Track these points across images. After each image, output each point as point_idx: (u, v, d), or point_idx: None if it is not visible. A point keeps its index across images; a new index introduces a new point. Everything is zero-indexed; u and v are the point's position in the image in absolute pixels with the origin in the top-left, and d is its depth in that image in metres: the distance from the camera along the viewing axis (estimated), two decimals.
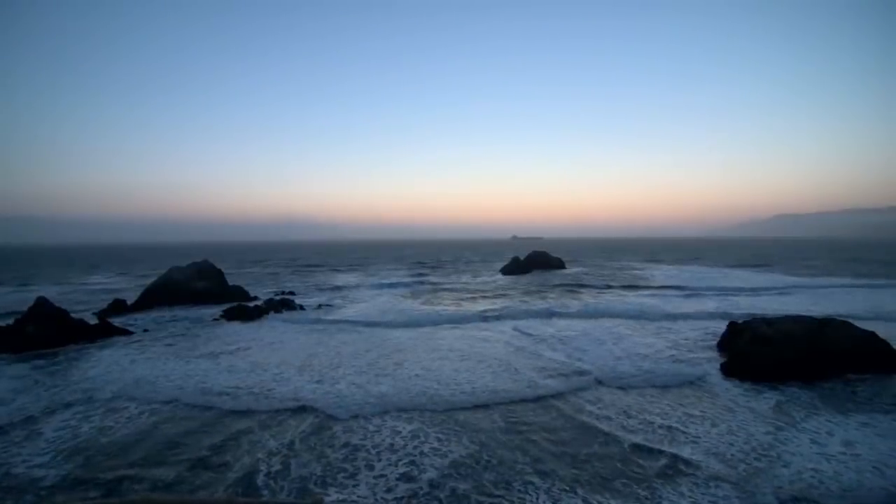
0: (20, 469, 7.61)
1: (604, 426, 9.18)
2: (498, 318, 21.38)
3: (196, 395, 10.99)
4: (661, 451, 8.02)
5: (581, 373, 12.66)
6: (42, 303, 16.86)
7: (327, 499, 6.62)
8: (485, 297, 29.39)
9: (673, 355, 14.34)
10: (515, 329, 18.70)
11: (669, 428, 9.02)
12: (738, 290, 30.43)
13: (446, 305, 25.56)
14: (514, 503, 6.62)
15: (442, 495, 6.77)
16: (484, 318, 21.40)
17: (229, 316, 21.25)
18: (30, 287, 35.74)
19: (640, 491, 6.84)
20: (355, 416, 9.69)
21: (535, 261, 50.36)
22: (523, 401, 10.66)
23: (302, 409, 10.09)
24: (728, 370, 12.43)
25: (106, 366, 13.56)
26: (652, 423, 9.30)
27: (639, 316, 21.29)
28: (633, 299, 27.14)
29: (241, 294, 27.45)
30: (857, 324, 13.36)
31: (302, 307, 24.50)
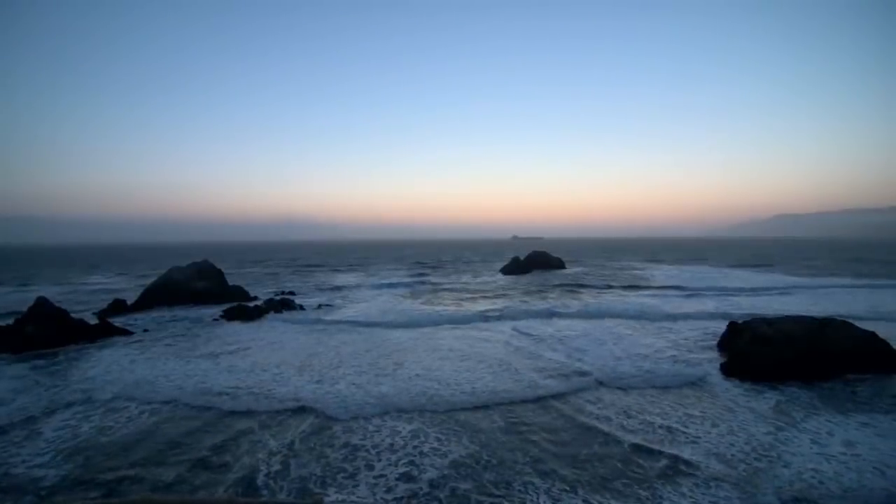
0: (20, 469, 7.61)
1: (604, 426, 9.17)
2: (498, 318, 21.36)
3: (196, 396, 10.98)
4: (661, 452, 8.01)
5: (581, 373, 12.66)
6: (42, 303, 16.86)
7: (327, 499, 6.62)
8: (485, 297, 29.39)
9: (673, 355, 14.34)
10: (515, 329, 18.68)
11: (670, 428, 9.02)
12: (739, 291, 30.43)
13: (446, 305, 25.55)
14: (514, 503, 6.62)
15: (442, 495, 6.77)
16: (484, 318, 21.39)
17: (229, 316, 21.25)
18: (30, 287, 35.76)
19: (640, 491, 6.83)
20: (355, 417, 9.68)
21: (535, 261, 50.38)
22: (523, 401, 10.65)
23: (302, 410, 10.09)
24: (728, 370, 12.43)
25: (106, 366, 13.56)
26: (652, 423, 9.30)
27: (639, 316, 21.27)
28: (634, 299, 27.13)
29: (241, 294, 27.46)
30: (858, 324, 13.37)
31: (302, 307, 24.49)
